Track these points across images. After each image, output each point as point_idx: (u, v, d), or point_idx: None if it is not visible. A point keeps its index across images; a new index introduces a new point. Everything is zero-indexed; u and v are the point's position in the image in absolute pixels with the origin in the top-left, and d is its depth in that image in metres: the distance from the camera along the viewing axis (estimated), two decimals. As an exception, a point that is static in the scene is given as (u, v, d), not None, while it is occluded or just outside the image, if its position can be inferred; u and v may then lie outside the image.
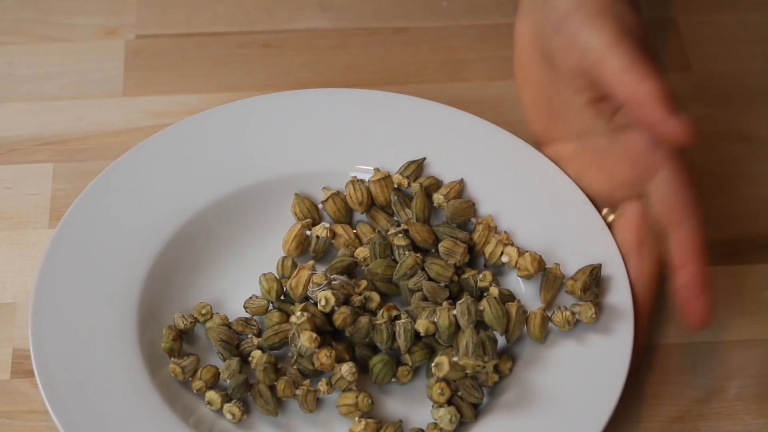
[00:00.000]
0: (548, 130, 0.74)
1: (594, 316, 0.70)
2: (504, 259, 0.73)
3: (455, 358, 0.68)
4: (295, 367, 0.70)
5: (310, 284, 0.71)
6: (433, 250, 0.74)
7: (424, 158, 0.77)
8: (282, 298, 0.73)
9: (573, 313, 0.71)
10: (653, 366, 0.73)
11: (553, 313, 0.71)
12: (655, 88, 0.65)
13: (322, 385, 0.69)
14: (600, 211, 0.73)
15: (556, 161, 0.75)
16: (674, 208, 0.68)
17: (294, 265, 0.74)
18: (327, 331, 0.71)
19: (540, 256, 0.72)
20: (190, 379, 0.70)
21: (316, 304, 0.71)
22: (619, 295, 0.72)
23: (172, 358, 0.70)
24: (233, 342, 0.71)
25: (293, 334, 0.70)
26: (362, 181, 0.76)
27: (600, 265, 0.72)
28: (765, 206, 0.80)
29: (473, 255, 0.74)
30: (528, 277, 0.72)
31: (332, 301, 0.70)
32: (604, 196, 0.72)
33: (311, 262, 0.72)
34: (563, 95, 0.72)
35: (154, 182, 0.75)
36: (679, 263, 0.68)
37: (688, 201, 0.68)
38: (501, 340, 0.71)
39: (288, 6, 0.88)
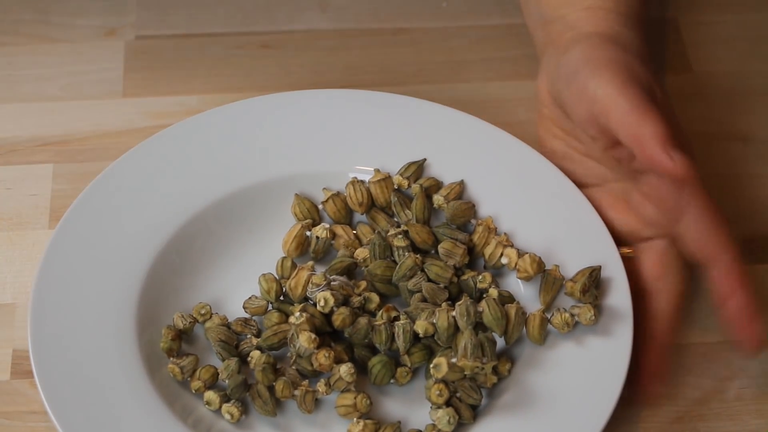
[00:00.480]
0: (571, 178, 0.76)
1: (593, 318, 0.70)
2: (504, 260, 0.73)
3: (454, 360, 0.68)
4: (293, 367, 0.70)
5: (310, 285, 0.71)
6: (432, 252, 0.74)
7: (425, 159, 0.77)
8: (281, 298, 0.73)
9: (572, 315, 0.70)
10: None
11: (553, 314, 0.71)
12: (656, 129, 0.67)
13: (320, 386, 0.69)
14: (618, 248, 0.74)
15: None
16: (710, 245, 0.69)
17: (293, 266, 0.74)
18: (326, 332, 0.71)
19: (539, 258, 0.72)
20: (188, 379, 0.70)
21: (315, 304, 0.71)
22: (619, 297, 0.72)
23: (171, 358, 0.70)
24: (232, 342, 0.71)
25: (292, 334, 0.70)
26: (362, 182, 0.76)
27: (599, 267, 0.72)
28: (765, 206, 0.80)
29: (473, 256, 0.74)
30: (527, 279, 0.72)
31: (331, 301, 0.70)
32: (629, 234, 0.73)
33: (310, 263, 0.72)
34: (581, 144, 0.74)
35: (153, 183, 0.75)
36: (725, 293, 0.69)
37: (722, 236, 0.69)
38: (500, 342, 0.71)
39: (287, 7, 0.88)
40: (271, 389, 0.69)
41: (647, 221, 0.72)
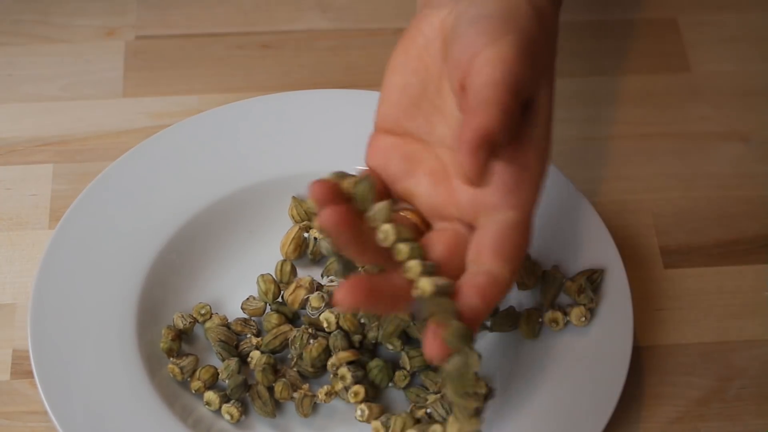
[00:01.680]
0: (400, 121, 0.64)
1: (584, 319, 0.70)
2: None
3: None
4: (294, 369, 0.70)
5: (308, 307, 0.71)
6: None
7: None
8: (279, 300, 0.73)
9: (564, 314, 0.70)
10: (653, 366, 0.73)
11: (547, 311, 0.71)
12: (487, 122, 0.57)
13: (320, 393, 0.69)
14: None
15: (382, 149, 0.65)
16: (492, 253, 0.59)
17: (293, 270, 0.74)
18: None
19: (537, 265, 0.72)
20: (188, 379, 0.70)
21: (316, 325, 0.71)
22: (619, 297, 0.72)
23: (171, 359, 0.70)
24: (232, 342, 0.71)
25: (294, 336, 0.70)
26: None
27: (601, 270, 0.72)
28: (765, 206, 0.80)
29: None
30: (527, 289, 0.72)
31: (334, 321, 0.70)
32: (432, 208, 0.62)
33: (309, 278, 0.72)
34: (446, 98, 0.63)
35: (153, 183, 0.75)
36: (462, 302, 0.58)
37: (512, 254, 0.59)
38: (500, 344, 0.71)
39: (288, 7, 0.88)
40: (270, 390, 0.69)
41: (457, 204, 0.61)
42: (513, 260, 0.58)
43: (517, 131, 0.59)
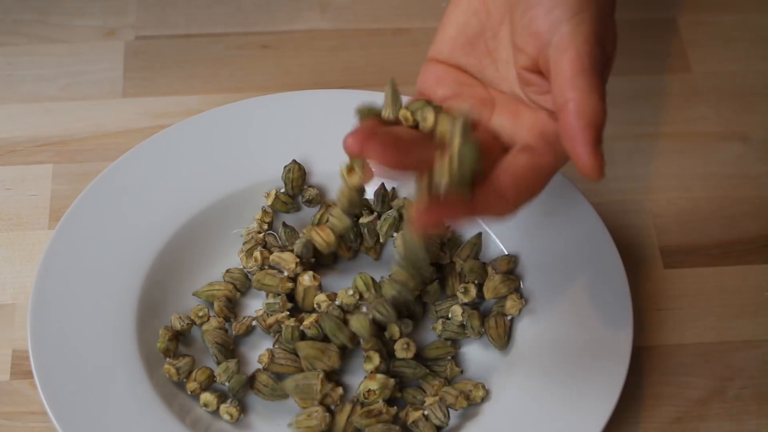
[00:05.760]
0: (454, 56, 0.66)
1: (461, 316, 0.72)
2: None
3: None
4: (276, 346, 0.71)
5: (316, 304, 0.72)
6: None
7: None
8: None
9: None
10: (653, 367, 0.73)
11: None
12: (594, 115, 0.60)
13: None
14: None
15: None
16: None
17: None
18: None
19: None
20: (184, 380, 0.70)
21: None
22: (619, 297, 0.72)
23: (168, 359, 0.70)
24: (229, 345, 0.71)
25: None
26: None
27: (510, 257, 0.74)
28: (765, 206, 0.80)
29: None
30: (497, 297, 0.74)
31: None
32: (504, 134, 0.64)
33: (317, 283, 0.72)
34: (501, 45, 0.65)
35: (153, 183, 0.75)
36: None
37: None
38: (503, 360, 0.71)
39: (287, 7, 0.88)
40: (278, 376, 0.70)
41: (524, 138, 0.63)
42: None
43: None
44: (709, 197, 0.80)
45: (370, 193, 0.76)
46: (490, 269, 0.73)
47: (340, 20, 0.87)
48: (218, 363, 0.71)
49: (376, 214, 0.75)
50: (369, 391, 0.69)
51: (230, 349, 0.71)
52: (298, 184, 0.76)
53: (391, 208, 0.75)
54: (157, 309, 0.72)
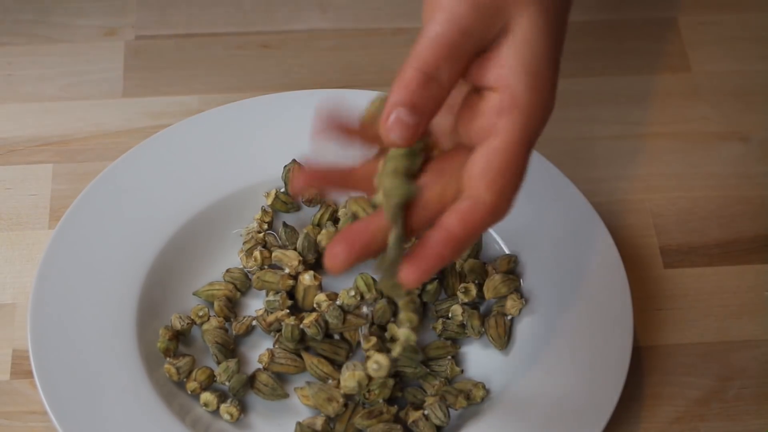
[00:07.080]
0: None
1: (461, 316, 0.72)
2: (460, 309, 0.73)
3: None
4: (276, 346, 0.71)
5: (315, 304, 0.72)
6: None
7: None
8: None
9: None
10: (653, 367, 0.73)
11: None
12: (403, 96, 0.61)
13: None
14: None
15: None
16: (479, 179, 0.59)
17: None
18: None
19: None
20: (184, 380, 0.70)
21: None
22: (619, 297, 0.72)
23: (168, 359, 0.70)
24: (229, 345, 0.71)
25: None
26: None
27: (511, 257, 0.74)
28: (765, 206, 0.80)
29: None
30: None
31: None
32: (442, 130, 0.62)
33: (317, 282, 0.72)
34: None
35: (153, 183, 0.75)
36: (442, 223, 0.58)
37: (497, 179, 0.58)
38: (503, 360, 0.71)
39: (287, 7, 0.88)
40: (278, 376, 0.70)
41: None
42: (498, 185, 0.57)
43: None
44: (709, 197, 0.80)
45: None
46: (490, 269, 0.73)
47: (340, 20, 0.87)
48: (218, 363, 0.71)
49: None
50: (370, 391, 0.69)
51: (230, 348, 0.71)
52: None
53: None
54: (157, 309, 0.72)
